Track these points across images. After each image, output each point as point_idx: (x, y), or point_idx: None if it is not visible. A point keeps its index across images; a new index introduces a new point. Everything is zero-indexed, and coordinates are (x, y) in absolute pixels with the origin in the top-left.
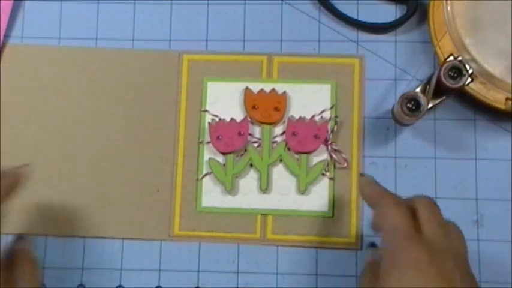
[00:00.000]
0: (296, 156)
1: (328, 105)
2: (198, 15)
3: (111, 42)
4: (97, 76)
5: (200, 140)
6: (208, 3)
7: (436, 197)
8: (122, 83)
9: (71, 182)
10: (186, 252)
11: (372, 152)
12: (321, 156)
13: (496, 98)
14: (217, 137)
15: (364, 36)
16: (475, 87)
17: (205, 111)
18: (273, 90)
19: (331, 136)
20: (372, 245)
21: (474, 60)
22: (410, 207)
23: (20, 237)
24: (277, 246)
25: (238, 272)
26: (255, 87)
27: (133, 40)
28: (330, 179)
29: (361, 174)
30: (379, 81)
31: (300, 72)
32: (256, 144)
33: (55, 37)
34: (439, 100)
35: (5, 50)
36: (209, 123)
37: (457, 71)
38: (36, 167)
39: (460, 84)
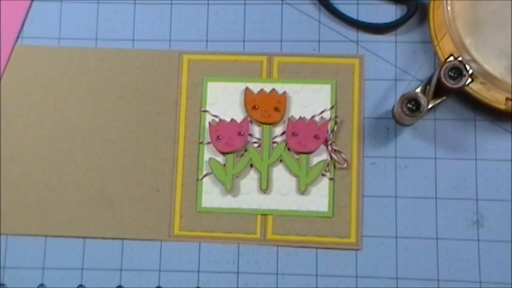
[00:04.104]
0: (296, 156)
1: (328, 105)
2: (198, 15)
3: (111, 42)
4: (97, 76)
5: (200, 140)
6: (208, 3)
7: (436, 197)
8: (122, 83)
9: (71, 182)
10: (186, 252)
11: (372, 152)
12: (321, 156)
13: (496, 98)
14: (218, 137)
15: (364, 36)
16: (475, 88)
17: (205, 111)
18: (273, 90)
19: (331, 136)
20: None
21: (474, 61)
22: None
23: None
24: (277, 246)
25: (238, 272)
26: (255, 87)
27: (133, 40)
28: (330, 179)
29: None
30: (379, 81)
31: (300, 72)
32: (256, 145)
33: (55, 37)
34: (439, 100)
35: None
36: (209, 123)
37: (457, 71)
38: (36, 167)
39: (460, 84)
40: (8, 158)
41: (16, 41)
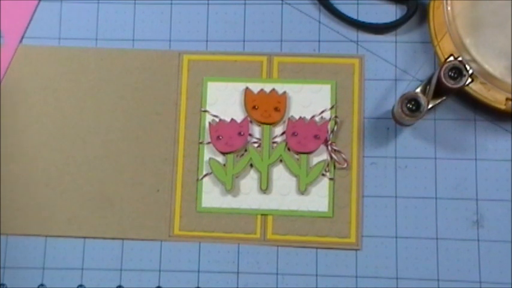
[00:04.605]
0: (296, 156)
1: (328, 105)
2: (198, 15)
3: (111, 42)
4: (97, 76)
5: (200, 140)
6: (208, 3)
7: (436, 197)
8: (122, 83)
9: (71, 182)
10: (186, 252)
11: (372, 152)
12: (321, 156)
13: (496, 98)
14: (218, 137)
15: (364, 36)
16: (475, 88)
17: (205, 111)
18: (273, 90)
19: (331, 136)
20: None
21: (474, 61)
22: None
23: None
24: (277, 246)
25: (238, 272)
26: (255, 87)
27: (133, 40)
28: (330, 179)
29: None
30: (379, 81)
31: (300, 72)
32: (256, 145)
33: (55, 37)
34: (439, 100)
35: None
36: (209, 123)
37: (457, 71)
38: (36, 167)
39: (460, 84)
40: (8, 158)
41: (20, 41)
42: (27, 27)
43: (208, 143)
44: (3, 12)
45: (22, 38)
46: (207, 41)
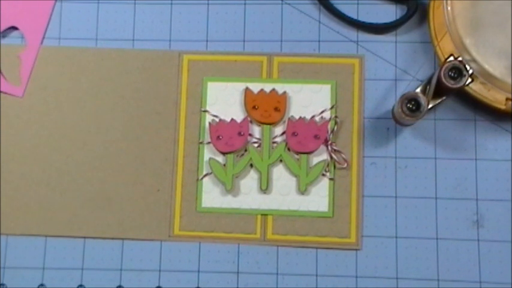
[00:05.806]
0: (296, 156)
1: (328, 105)
2: (198, 15)
3: (111, 42)
4: (97, 76)
5: (200, 140)
6: (208, 3)
7: (436, 197)
8: (122, 83)
9: (71, 182)
10: (186, 252)
11: (372, 152)
12: (321, 156)
13: (496, 98)
14: (218, 137)
15: (364, 36)
16: (475, 88)
17: (205, 111)
18: (273, 90)
19: (331, 136)
20: None
21: (474, 61)
22: None
23: None
24: (277, 246)
25: (238, 272)
26: (255, 87)
27: (133, 40)
28: (330, 179)
29: None
30: (379, 81)
31: (300, 72)
32: (256, 144)
33: (55, 37)
34: (439, 100)
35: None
36: (209, 123)
37: (457, 71)
38: (36, 167)
39: (460, 84)
40: (8, 158)
41: (41, 42)
42: (47, 28)
43: (208, 143)
44: (23, 14)
45: (43, 38)
46: (207, 41)
